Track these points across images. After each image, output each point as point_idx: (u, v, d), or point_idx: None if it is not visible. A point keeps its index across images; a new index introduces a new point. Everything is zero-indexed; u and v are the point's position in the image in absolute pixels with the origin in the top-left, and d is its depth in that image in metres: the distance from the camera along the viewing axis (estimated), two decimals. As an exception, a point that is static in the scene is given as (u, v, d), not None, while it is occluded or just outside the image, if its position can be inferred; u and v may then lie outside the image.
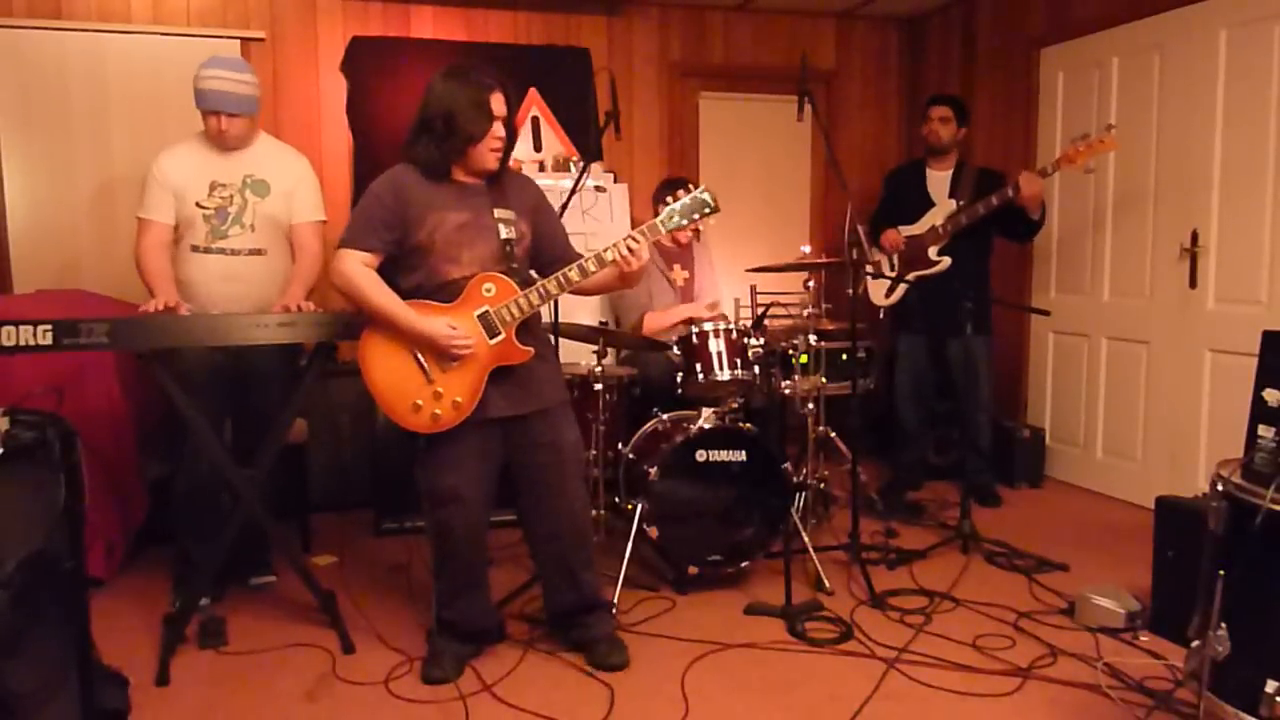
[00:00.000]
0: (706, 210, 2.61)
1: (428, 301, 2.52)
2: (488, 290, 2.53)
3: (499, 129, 2.53)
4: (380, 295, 2.49)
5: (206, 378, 3.05)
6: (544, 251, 2.72)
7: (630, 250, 2.53)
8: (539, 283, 2.56)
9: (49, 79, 4.41)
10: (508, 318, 2.53)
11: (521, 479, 2.68)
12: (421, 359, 2.52)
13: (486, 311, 2.52)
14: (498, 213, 2.58)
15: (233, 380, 3.14)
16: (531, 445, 2.64)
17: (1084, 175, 4.49)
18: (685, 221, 2.61)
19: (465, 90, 2.49)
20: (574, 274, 2.56)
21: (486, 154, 2.54)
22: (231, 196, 3.07)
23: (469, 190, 2.58)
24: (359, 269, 2.50)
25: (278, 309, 2.88)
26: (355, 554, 3.76)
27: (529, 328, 2.63)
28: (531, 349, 2.58)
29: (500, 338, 2.53)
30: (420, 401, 2.51)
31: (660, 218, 2.59)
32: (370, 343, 2.55)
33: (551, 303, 2.78)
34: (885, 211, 4.48)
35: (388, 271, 2.56)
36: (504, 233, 2.57)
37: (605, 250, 2.55)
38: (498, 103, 2.52)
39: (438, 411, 2.51)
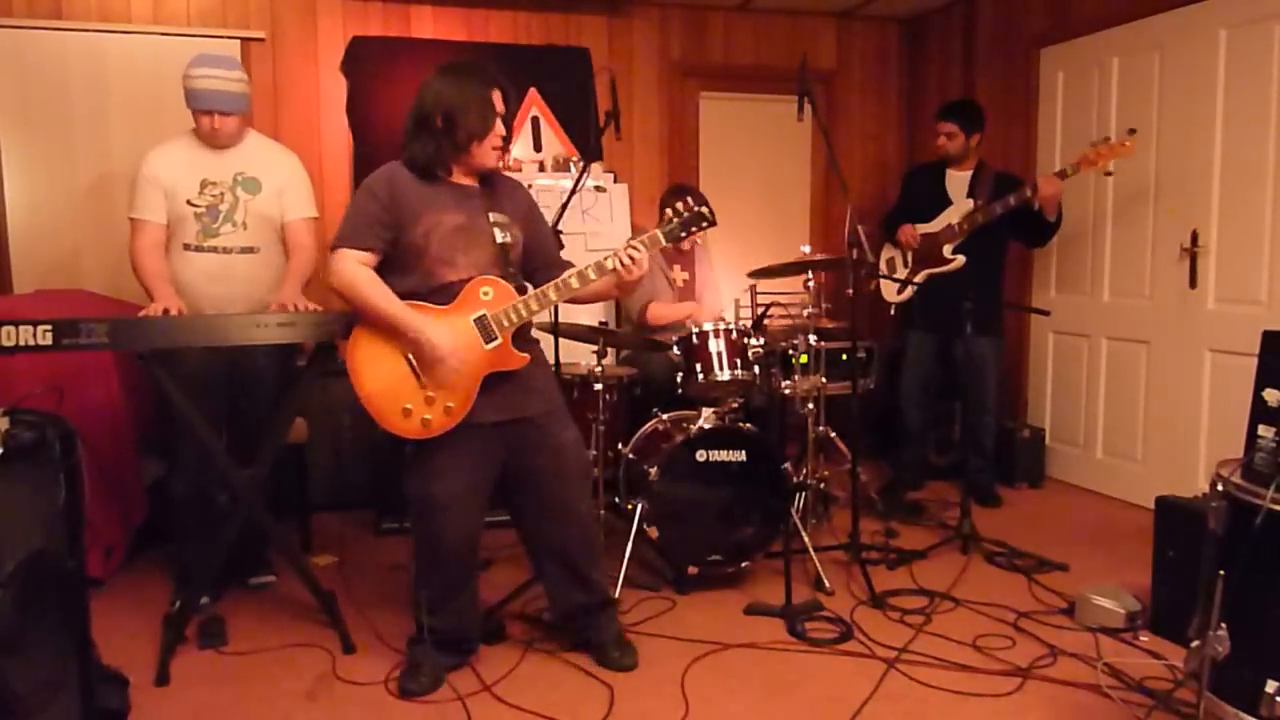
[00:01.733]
0: (704, 224, 2.61)
1: (424, 304, 2.47)
2: (485, 294, 2.49)
3: (500, 126, 2.50)
4: (382, 297, 2.42)
5: (203, 378, 3.04)
6: (534, 257, 2.68)
7: (631, 259, 2.51)
8: (539, 289, 2.53)
9: (49, 79, 4.41)
10: (505, 323, 2.49)
11: (521, 484, 2.63)
12: (414, 362, 2.46)
13: (484, 315, 2.48)
14: (493, 216, 2.54)
15: (227, 381, 3.14)
16: (530, 449, 2.60)
17: (1089, 176, 4.49)
18: (684, 233, 2.60)
19: (467, 86, 2.46)
20: (574, 281, 2.52)
21: (489, 152, 2.51)
22: (223, 194, 3.06)
23: (464, 192, 2.54)
24: (357, 269, 2.43)
25: (275, 308, 2.86)
26: (355, 554, 3.76)
27: (523, 333, 2.58)
28: (527, 355, 2.55)
29: (496, 343, 2.48)
30: (410, 406, 2.45)
31: (661, 229, 2.58)
32: (359, 344, 2.47)
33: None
34: (902, 209, 4.48)
35: (381, 273, 2.49)
36: (500, 237, 2.53)
37: (606, 258, 2.52)
38: (498, 99, 2.50)
39: (428, 417, 2.45)
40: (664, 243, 2.59)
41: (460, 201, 2.52)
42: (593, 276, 2.53)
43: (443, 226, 2.47)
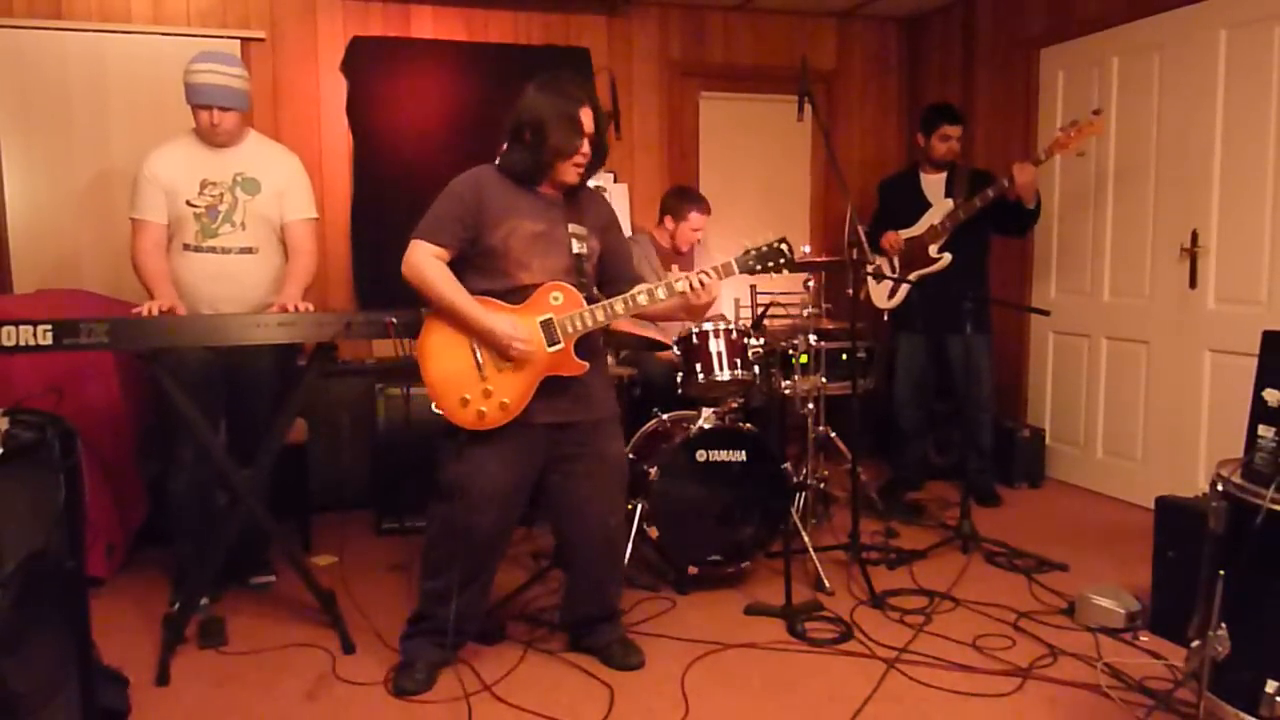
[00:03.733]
0: (780, 260, 2.63)
1: (495, 300, 2.53)
2: (555, 298, 2.55)
3: (585, 146, 2.55)
4: (447, 286, 2.49)
5: (203, 378, 3.04)
6: (608, 270, 2.74)
7: (701, 284, 2.55)
8: (607, 301, 2.58)
9: (49, 79, 4.41)
10: (570, 329, 2.53)
11: (560, 486, 2.67)
12: (479, 355, 2.52)
13: (550, 319, 2.53)
14: (571, 227, 2.61)
15: (227, 381, 3.14)
16: (574, 454, 2.63)
17: (1085, 172, 4.51)
18: (758, 267, 2.63)
19: (557, 104, 2.51)
20: (642, 298, 2.57)
21: (570, 169, 2.56)
22: (222, 195, 3.07)
23: (547, 201, 2.60)
24: (429, 260, 2.51)
25: (275, 309, 2.86)
26: (355, 554, 3.76)
27: (587, 342, 2.62)
28: (587, 364, 2.58)
29: (559, 347, 2.53)
30: (469, 396, 2.51)
31: (736, 258, 2.62)
32: (431, 332, 2.55)
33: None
34: (882, 220, 4.47)
35: (461, 272, 2.55)
36: (576, 247, 2.60)
37: (677, 280, 2.57)
38: (587, 119, 2.54)
39: (484, 409, 2.51)
40: (737, 272, 2.63)
41: (542, 210, 2.58)
42: (661, 296, 2.58)
43: (521, 231, 2.54)
